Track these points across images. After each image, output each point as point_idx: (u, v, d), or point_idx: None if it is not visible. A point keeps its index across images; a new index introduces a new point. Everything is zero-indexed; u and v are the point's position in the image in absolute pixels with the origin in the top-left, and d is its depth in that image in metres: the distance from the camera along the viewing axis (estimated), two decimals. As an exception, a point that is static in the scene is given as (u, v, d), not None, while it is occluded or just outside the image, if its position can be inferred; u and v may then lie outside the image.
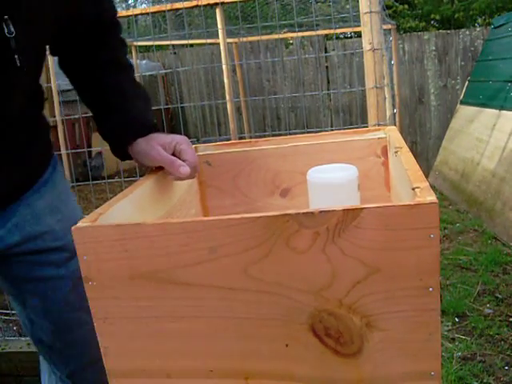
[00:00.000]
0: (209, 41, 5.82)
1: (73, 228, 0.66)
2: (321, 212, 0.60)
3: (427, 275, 0.60)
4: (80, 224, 0.67)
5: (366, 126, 1.50)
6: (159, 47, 7.67)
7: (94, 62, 1.02)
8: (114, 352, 0.71)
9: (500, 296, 2.65)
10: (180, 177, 0.91)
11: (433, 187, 0.68)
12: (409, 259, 0.60)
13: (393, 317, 0.62)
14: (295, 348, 0.66)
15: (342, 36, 7.85)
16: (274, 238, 0.62)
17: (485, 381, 1.96)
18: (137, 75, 5.98)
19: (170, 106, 6.51)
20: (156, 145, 0.93)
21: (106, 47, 1.03)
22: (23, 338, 2.13)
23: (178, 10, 3.61)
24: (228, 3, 3.35)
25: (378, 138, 1.05)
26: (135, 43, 6.33)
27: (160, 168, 0.95)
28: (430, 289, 0.61)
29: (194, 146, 1.11)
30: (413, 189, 0.64)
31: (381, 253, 0.60)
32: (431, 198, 0.59)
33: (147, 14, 3.31)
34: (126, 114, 0.97)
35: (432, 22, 8.73)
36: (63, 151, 5.65)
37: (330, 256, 0.61)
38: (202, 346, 0.68)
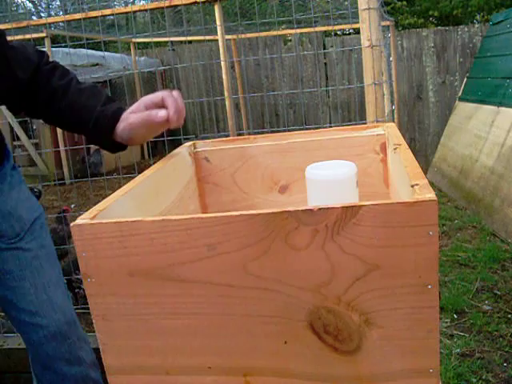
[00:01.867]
0: (207, 37, 5.82)
1: (71, 225, 0.66)
2: (320, 209, 0.60)
3: (426, 272, 0.60)
4: (79, 221, 0.67)
5: (365, 123, 1.50)
6: (158, 44, 7.65)
7: (39, 105, 1.09)
8: (112, 349, 0.71)
9: (498, 293, 2.65)
10: (160, 121, 0.91)
11: (431, 184, 0.67)
12: (408, 256, 0.60)
13: (391, 314, 0.62)
14: (294, 345, 0.66)
15: (340, 33, 7.83)
16: (272, 235, 0.62)
17: (483, 377, 1.96)
18: (135, 72, 5.98)
19: (168, 103, 6.50)
20: (129, 114, 0.96)
21: (38, 93, 1.07)
22: (22, 335, 2.13)
23: (176, 6, 3.60)
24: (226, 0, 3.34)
25: (377, 135, 1.05)
26: (134, 40, 6.32)
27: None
28: (429, 286, 0.61)
29: (192, 142, 1.11)
30: (412, 186, 0.64)
31: (380, 250, 0.60)
32: (430, 195, 0.59)
33: (146, 10, 3.30)
34: (90, 122, 1.00)
35: (430, 19, 8.71)
36: (62, 148, 5.65)
37: (329, 253, 0.61)
38: (201, 343, 0.68)
